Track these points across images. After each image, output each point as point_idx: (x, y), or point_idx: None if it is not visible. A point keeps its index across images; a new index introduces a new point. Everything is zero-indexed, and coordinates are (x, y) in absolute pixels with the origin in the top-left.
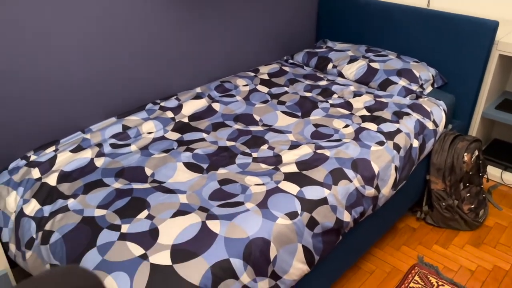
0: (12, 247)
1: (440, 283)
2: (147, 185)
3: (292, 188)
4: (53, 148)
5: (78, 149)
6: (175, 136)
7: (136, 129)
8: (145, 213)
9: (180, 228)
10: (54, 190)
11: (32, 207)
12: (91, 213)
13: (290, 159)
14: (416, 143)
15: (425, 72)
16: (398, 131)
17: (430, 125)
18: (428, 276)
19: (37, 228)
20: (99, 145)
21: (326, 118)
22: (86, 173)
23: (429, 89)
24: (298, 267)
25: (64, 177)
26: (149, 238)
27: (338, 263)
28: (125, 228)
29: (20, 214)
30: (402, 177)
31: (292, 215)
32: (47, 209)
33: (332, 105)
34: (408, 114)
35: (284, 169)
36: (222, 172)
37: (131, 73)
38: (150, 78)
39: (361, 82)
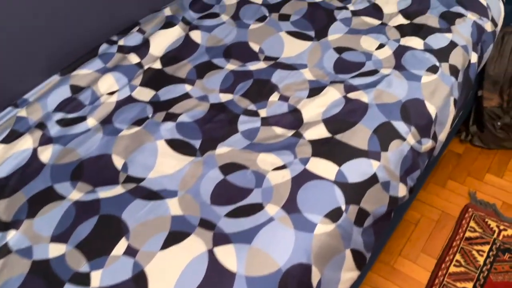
0: None
1: (502, 227)
2: (118, 189)
3: (327, 168)
4: None
5: (11, 136)
6: (147, 94)
7: (90, 89)
8: (121, 246)
9: (178, 269)
10: None
11: None
12: (44, 253)
13: (314, 114)
14: (474, 58)
15: None
16: (452, 44)
17: (488, 26)
18: (486, 219)
19: None
20: (41, 125)
21: (350, 35)
22: (29, 177)
23: None
24: (347, 278)
25: None
26: None
27: (384, 236)
28: (96, 280)
29: None
30: (459, 110)
31: (334, 215)
32: None
33: (354, 13)
34: (460, 15)
35: (310, 133)
36: (222, 151)
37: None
38: (97, 2)
39: None
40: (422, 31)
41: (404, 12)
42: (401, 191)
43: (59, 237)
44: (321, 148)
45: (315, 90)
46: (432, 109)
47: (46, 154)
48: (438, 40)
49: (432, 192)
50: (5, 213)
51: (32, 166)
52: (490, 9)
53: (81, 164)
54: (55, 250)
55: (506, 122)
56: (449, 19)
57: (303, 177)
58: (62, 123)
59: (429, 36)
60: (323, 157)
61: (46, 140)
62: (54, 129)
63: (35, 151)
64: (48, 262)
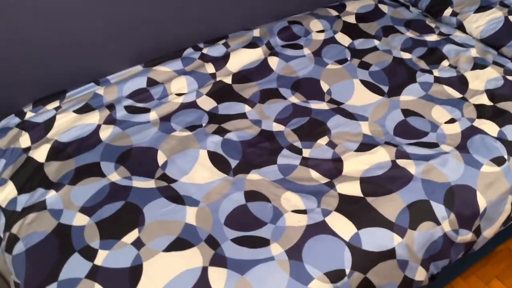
0: None
1: None
2: (151, 183)
3: (345, 227)
4: (56, 104)
5: (84, 109)
6: (208, 104)
7: (162, 86)
8: (132, 236)
9: (171, 274)
10: (39, 170)
11: (7, 193)
12: (70, 219)
13: (354, 169)
14: None
15: None
16: None
17: None
18: None
19: (6, 226)
20: (111, 106)
21: (424, 101)
22: (84, 149)
23: None
24: None
25: (57, 151)
26: None
27: None
28: (100, 258)
29: None
30: None
31: (335, 276)
32: (22, 200)
33: (437, 80)
34: None
35: (342, 187)
36: (253, 177)
37: (169, 3)
38: (195, 11)
39: (489, 44)
40: (502, 118)
41: (490, 93)
42: (420, 275)
43: (86, 209)
44: (347, 206)
45: (366, 146)
46: (482, 202)
47: (105, 133)
48: None
49: (472, 286)
50: (54, 174)
51: (90, 140)
52: None
53: (130, 150)
54: (79, 219)
55: None
56: None
57: (318, 228)
58: (129, 109)
59: (508, 125)
60: (345, 214)
61: (110, 120)
62: (120, 113)
63: (98, 127)
64: (70, 228)
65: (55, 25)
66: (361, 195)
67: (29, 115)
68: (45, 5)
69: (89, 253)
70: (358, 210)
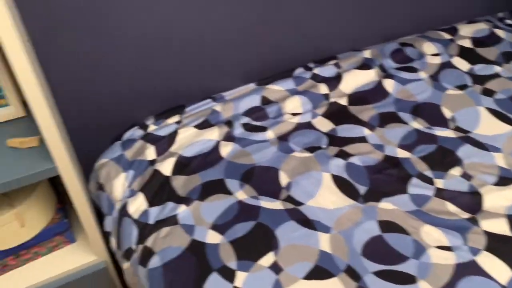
0: (113, 242)
1: None
2: (278, 205)
3: (499, 269)
4: (176, 118)
5: (204, 125)
6: (326, 125)
7: (277, 106)
8: (269, 259)
9: None
10: (166, 183)
11: (138, 205)
12: (202, 235)
13: (496, 205)
14: None
15: None
16: None
17: None
18: None
19: (138, 238)
20: (229, 123)
21: None
22: (207, 164)
23: None
24: None
25: (182, 165)
26: None
27: None
28: (240, 280)
29: (123, 210)
30: None
31: None
32: (154, 213)
33: None
34: None
35: (487, 224)
36: (385, 206)
37: (279, 23)
38: (303, 31)
39: None
40: None
41: None
42: None
43: (218, 227)
44: (498, 245)
45: (506, 180)
46: None
47: (226, 149)
48: None
49: None
50: (182, 188)
51: (212, 156)
52: None
53: (253, 169)
54: (212, 237)
55: None
56: None
57: (469, 268)
58: (246, 127)
59: None
60: (497, 255)
61: (229, 137)
62: (238, 130)
63: (218, 143)
64: (204, 246)
65: (173, 52)
66: (510, 234)
67: (151, 128)
68: (164, 33)
69: (228, 274)
70: (510, 249)
